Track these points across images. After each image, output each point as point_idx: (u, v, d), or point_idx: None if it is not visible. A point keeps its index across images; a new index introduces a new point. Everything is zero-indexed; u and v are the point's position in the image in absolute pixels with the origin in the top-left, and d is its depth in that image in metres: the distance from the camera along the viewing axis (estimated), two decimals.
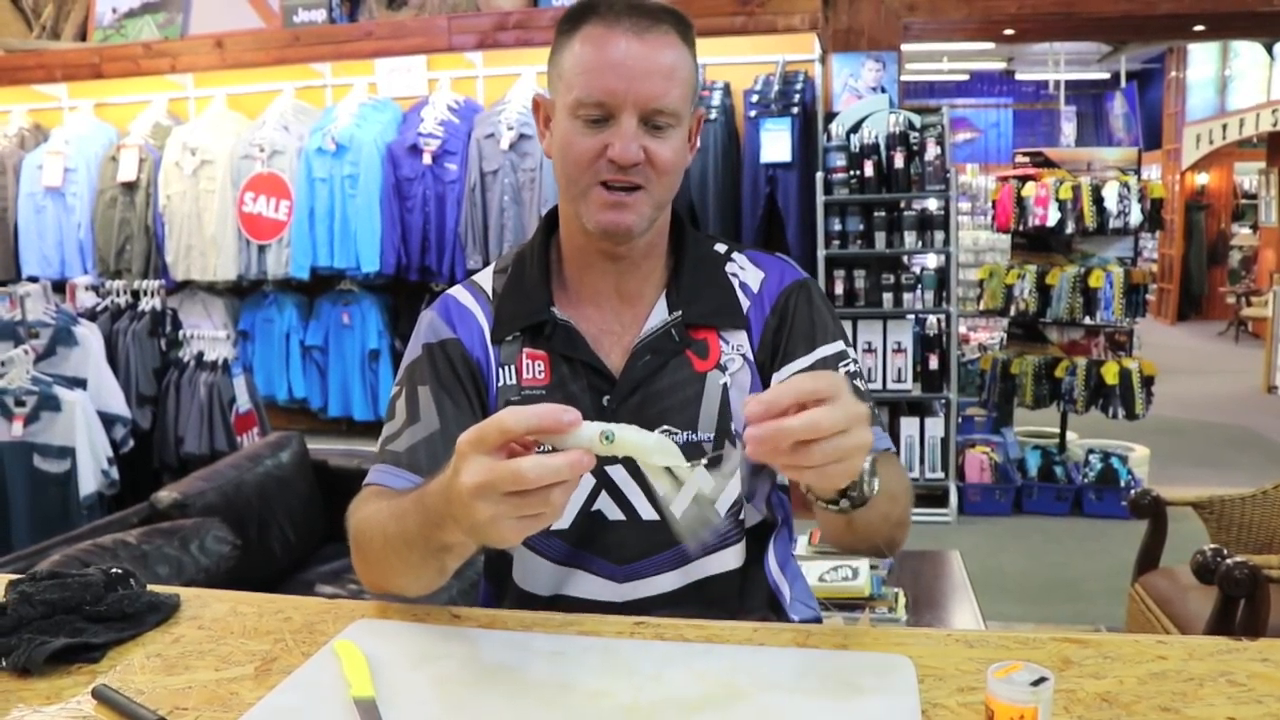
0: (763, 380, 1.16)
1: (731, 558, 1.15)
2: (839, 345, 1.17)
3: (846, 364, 1.15)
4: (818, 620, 1.27)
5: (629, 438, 0.82)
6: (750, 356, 1.16)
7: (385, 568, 1.00)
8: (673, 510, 0.85)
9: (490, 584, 1.24)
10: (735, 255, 1.22)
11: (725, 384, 1.14)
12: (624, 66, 1.03)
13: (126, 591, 1.04)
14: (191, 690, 0.88)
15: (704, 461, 0.85)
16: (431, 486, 0.89)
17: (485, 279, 1.21)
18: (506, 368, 1.14)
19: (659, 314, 1.15)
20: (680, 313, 1.14)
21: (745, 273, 1.20)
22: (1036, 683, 0.72)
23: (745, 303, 1.18)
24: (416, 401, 1.12)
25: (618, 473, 1.12)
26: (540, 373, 1.13)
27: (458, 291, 1.20)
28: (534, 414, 0.79)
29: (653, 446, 0.82)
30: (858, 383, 1.13)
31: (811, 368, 1.13)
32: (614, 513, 1.13)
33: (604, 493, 1.12)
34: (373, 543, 1.00)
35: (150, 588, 1.08)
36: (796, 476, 0.84)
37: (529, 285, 1.16)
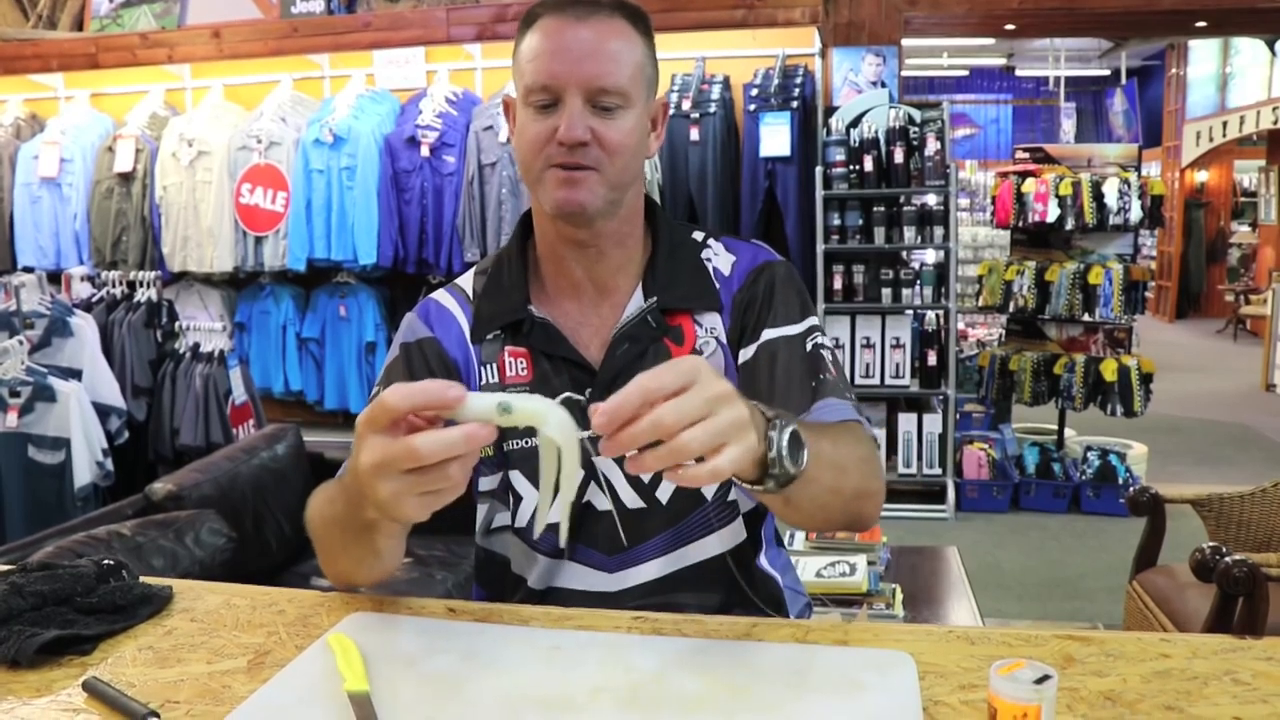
0: (736, 360, 1.16)
1: (717, 542, 1.15)
2: (808, 322, 1.16)
3: (814, 338, 1.15)
4: (809, 606, 1.27)
5: (526, 407, 0.79)
6: (723, 339, 1.16)
7: (330, 553, 1.03)
8: (546, 495, 0.84)
9: (484, 586, 1.24)
10: (711, 242, 1.22)
11: None
12: (567, 50, 1.06)
13: (118, 583, 1.03)
14: (183, 683, 0.87)
15: (589, 435, 0.81)
16: (349, 466, 0.90)
17: (467, 281, 1.23)
18: (489, 366, 1.16)
19: (636, 302, 1.16)
20: (655, 299, 1.15)
21: (719, 258, 1.21)
22: (1040, 680, 0.71)
23: (718, 286, 1.18)
24: None
25: (604, 462, 1.13)
26: (523, 369, 1.15)
27: (439, 294, 1.22)
28: (418, 390, 0.79)
29: (547, 415, 0.79)
30: (822, 354, 1.13)
31: (774, 342, 1.13)
32: (602, 503, 1.13)
33: (592, 484, 1.13)
34: (316, 529, 1.04)
35: (143, 580, 1.07)
36: (678, 478, 0.80)
37: (507, 284, 1.18)
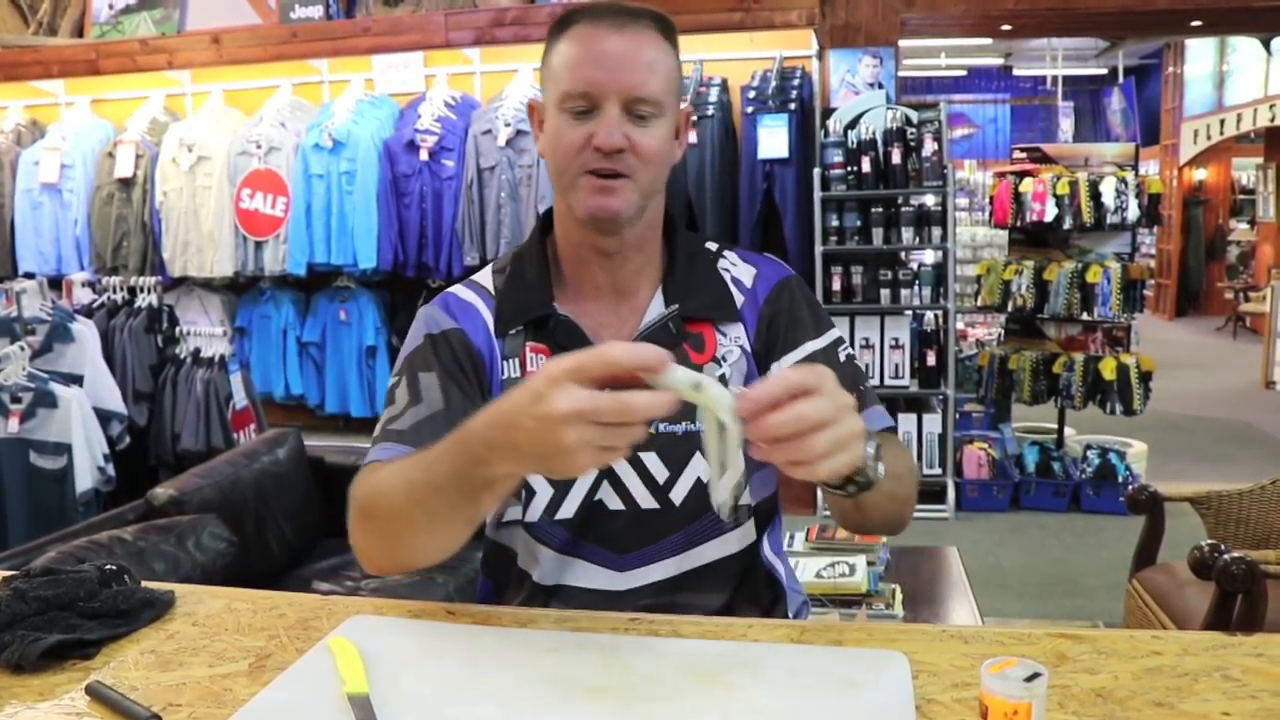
0: (760, 370, 1.19)
1: (730, 543, 1.17)
2: (835, 333, 1.22)
3: (845, 348, 1.21)
4: (806, 604, 1.29)
5: (712, 391, 0.84)
6: (748, 348, 1.19)
7: (403, 527, 0.99)
8: (715, 473, 0.88)
9: (489, 579, 1.25)
10: (726, 253, 1.26)
11: (723, 375, 1.17)
12: (606, 58, 1.08)
13: (121, 588, 1.04)
14: (185, 686, 0.88)
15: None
16: (479, 421, 0.90)
17: (485, 278, 1.24)
18: (511, 361, 1.17)
19: (656, 307, 1.19)
20: (677, 306, 1.18)
21: (737, 269, 1.24)
22: (1030, 678, 0.72)
23: (739, 297, 1.21)
24: (418, 385, 1.13)
25: (619, 463, 1.13)
26: (542, 366, 1.15)
27: (458, 289, 1.24)
28: (639, 349, 0.83)
29: (727, 404, 0.84)
30: (856, 364, 1.21)
31: (812, 356, 1.18)
32: (614, 503, 1.14)
33: (605, 483, 1.14)
34: (392, 499, 0.99)
35: (145, 584, 1.08)
36: (799, 474, 0.86)
37: (530, 281, 1.20)
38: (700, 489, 1.14)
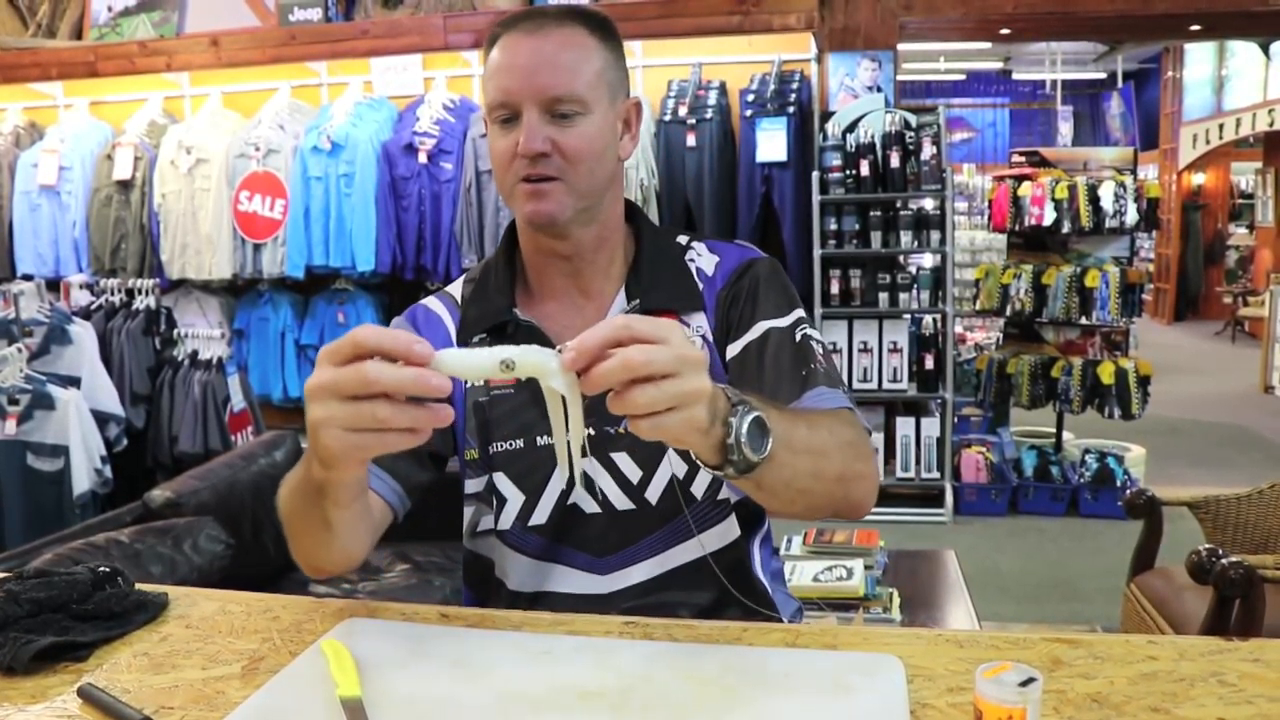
0: (721, 358, 1.17)
1: (711, 540, 1.16)
2: (795, 314, 1.17)
3: (803, 329, 1.16)
4: (800, 611, 1.28)
5: (529, 360, 0.79)
6: (710, 337, 1.18)
7: (293, 533, 1.03)
8: (561, 438, 0.84)
9: (471, 590, 1.25)
10: (694, 244, 1.25)
11: None
12: (519, 64, 1.09)
13: (114, 590, 1.03)
14: (178, 689, 0.88)
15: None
16: None
17: (456, 288, 1.25)
18: None
19: (619, 305, 1.18)
20: (638, 301, 1.17)
21: (702, 259, 1.23)
22: (1025, 683, 0.72)
23: (702, 286, 1.20)
24: None
25: (590, 465, 1.13)
26: None
27: (428, 300, 1.26)
28: (388, 335, 0.79)
29: (554, 369, 0.79)
30: (813, 344, 1.14)
31: (767, 334, 1.14)
32: (589, 505, 1.14)
33: (579, 486, 1.13)
34: (282, 509, 1.04)
35: (139, 586, 1.07)
36: (635, 430, 0.80)
37: (493, 290, 1.21)
38: (675, 487, 1.13)
